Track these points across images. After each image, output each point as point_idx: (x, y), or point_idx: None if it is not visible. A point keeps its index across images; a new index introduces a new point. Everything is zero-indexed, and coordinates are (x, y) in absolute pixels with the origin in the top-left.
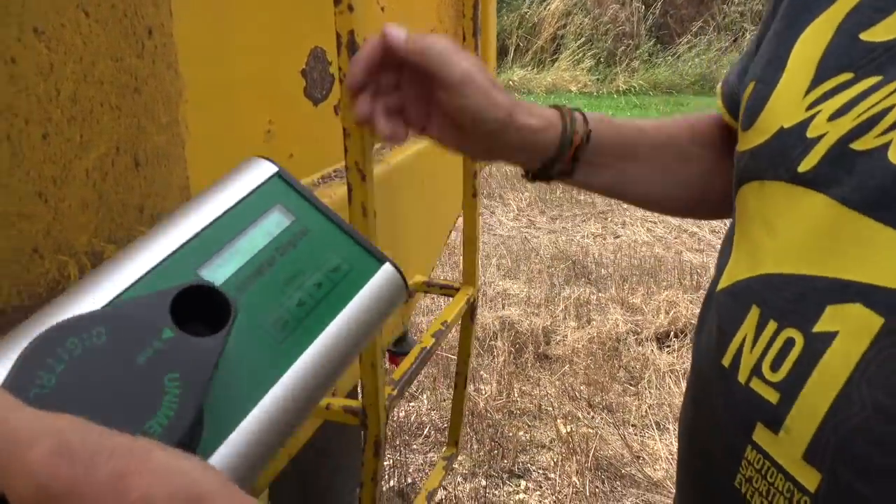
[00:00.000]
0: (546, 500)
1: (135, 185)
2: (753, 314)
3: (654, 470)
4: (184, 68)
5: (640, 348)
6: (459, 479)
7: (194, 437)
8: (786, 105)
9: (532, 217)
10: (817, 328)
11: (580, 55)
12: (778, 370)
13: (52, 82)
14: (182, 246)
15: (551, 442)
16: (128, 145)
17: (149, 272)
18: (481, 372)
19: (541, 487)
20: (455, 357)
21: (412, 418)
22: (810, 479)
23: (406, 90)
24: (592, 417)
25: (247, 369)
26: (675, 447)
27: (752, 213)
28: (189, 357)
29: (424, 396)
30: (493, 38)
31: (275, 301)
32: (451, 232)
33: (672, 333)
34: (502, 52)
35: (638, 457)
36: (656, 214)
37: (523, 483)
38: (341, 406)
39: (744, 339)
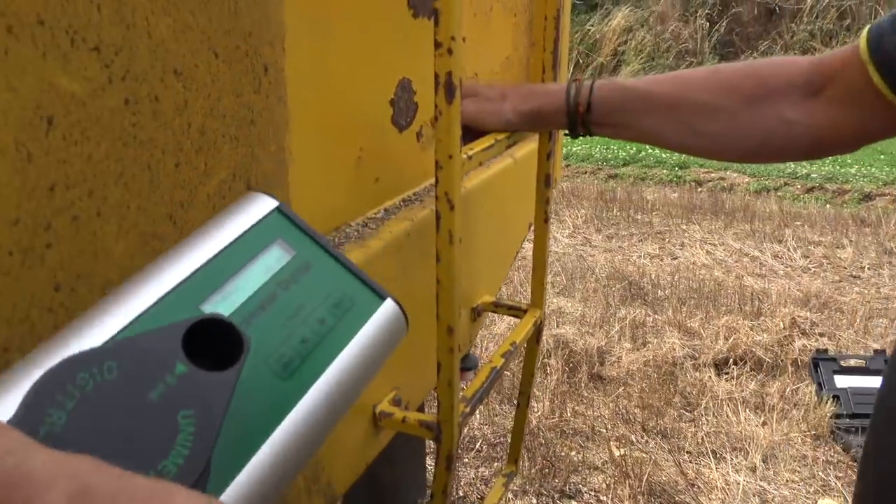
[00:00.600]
0: None
1: None
2: None
3: (710, 499)
4: (290, 101)
5: (698, 374)
6: (510, 496)
7: (204, 476)
8: None
9: (588, 235)
10: None
11: (640, 72)
12: None
13: (185, 117)
14: (184, 280)
15: (604, 464)
16: (242, 172)
17: (151, 306)
18: (534, 389)
19: None
20: (509, 372)
21: (464, 432)
22: None
23: None
24: (646, 442)
25: (252, 406)
26: (731, 478)
27: None
28: (203, 393)
29: (477, 411)
30: (565, 64)
31: (278, 337)
32: (517, 253)
33: (731, 360)
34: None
35: (693, 485)
36: (715, 237)
37: None
38: (417, 420)
39: None
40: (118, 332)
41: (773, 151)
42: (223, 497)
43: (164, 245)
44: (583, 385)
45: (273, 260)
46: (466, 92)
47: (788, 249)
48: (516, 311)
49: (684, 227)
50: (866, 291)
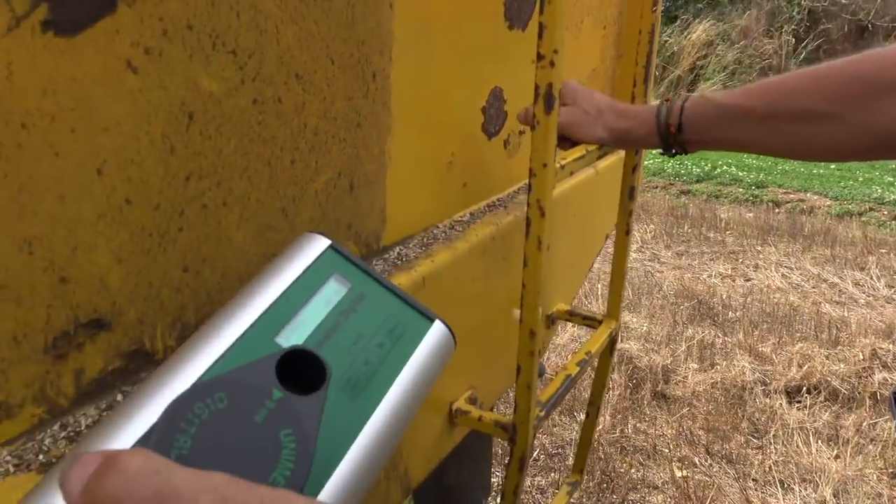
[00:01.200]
0: None
1: (348, 205)
2: None
3: None
4: (393, 106)
5: (768, 400)
6: None
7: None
8: None
9: (656, 251)
10: None
11: (720, 88)
12: None
13: (302, 118)
14: (258, 320)
15: (664, 484)
16: (347, 172)
17: (234, 343)
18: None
19: None
20: None
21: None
22: None
23: None
24: (710, 465)
25: (331, 423)
26: None
27: None
28: (297, 414)
29: None
30: (652, 78)
31: (344, 362)
32: (592, 264)
33: (805, 389)
34: None
35: None
36: (792, 260)
37: None
38: (493, 420)
39: None
40: (210, 367)
41: (892, 150)
42: (320, 498)
43: (278, 236)
44: (645, 402)
45: (332, 293)
46: (566, 94)
47: (871, 278)
48: (591, 322)
49: (759, 248)
50: None
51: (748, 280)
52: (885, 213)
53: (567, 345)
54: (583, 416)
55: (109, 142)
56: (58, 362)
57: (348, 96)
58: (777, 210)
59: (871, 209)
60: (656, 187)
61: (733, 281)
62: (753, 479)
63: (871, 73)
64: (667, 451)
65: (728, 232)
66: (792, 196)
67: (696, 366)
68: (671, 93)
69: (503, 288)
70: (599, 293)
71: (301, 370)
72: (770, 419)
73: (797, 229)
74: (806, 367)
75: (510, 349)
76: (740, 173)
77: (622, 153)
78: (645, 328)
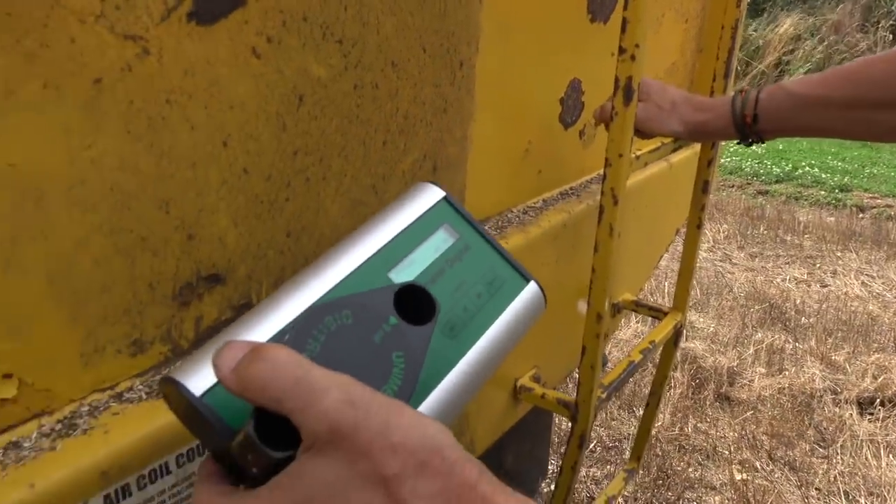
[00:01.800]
0: None
1: None
2: None
3: None
4: (476, 94)
5: (837, 409)
6: (621, 500)
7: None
8: None
9: (729, 251)
10: None
11: None
12: None
13: (395, 102)
14: (375, 253)
15: (722, 486)
16: (431, 154)
17: (351, 273)
18: None
19: None
20: (631, 378)
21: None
22: None
23: None
24: (772, 471)
25: (432, 354)
26: None
27: None
28: (408, 341)
29: None
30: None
31: (446, 305)
32: (661, 257)
33: (878, 401)
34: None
35: None
36: (874, 269)
37: None
38: (555, 398)
39: None
40: (330, 290)
41: None
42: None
43: (367, 210)
44: (708, 403)
45: (441, 241)
46: (640, 91)
47: None
48: (657, 313)
49: (839, 253)
50: None
51: (825, 286)
52: None
53: (630, 340)
54: (641, 412)
55: (234, 118)
56: (182, 309)
57: (436, 83)
58: (861, 215)
59: None
60: (732, 186)
61: (808, 286)
62: (817, 489)
63: None
64: (727, 453)
65: (806, 235)
66: (879, 201)
67: (763, 370)
68: (752, 87)
69: (571, 275)
70: (666, 291)
71: (413, 304)
72: (838, 429)
73: (882, 236)
74: (882, 378)
75: (574, 336)
76: (823, 175)
77: (697, 147)
78: (712, 329)
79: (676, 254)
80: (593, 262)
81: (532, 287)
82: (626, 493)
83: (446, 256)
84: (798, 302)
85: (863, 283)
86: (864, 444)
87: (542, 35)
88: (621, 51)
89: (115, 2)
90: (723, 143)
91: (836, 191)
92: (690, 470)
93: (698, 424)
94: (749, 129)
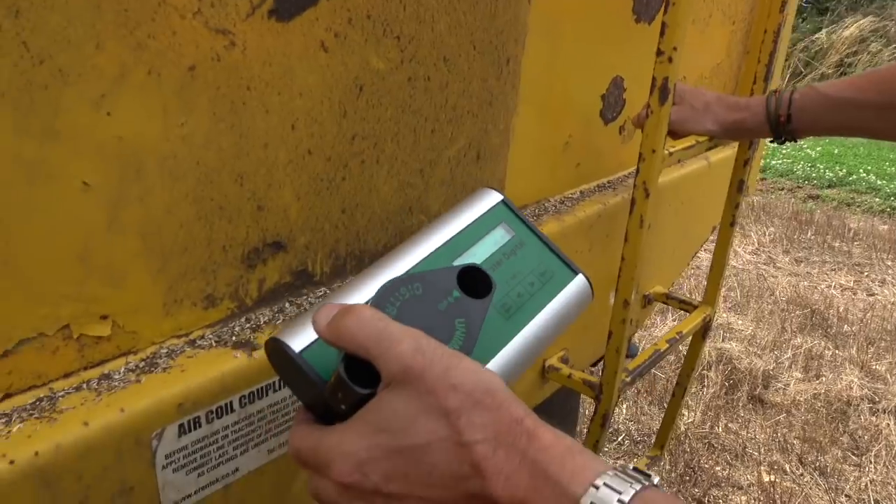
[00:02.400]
0: None
1: (474, 173)
2: None
3: None
4: (521, 88)
5: (874, 418)
6: None
7: None
8: None
9: (773, 255)
10: None
11: None
12: None
13: (444, 94)
14: (442, 245)
15: (749, 486)
16: (475, 143)
17: (424, 259)
18: (687, 399)
19: None
20: (661, 375)
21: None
22: None
23: None
24: (801, 475)
25: (488, 329)
26: None
27: None
28: (469, 311)
29: (625, 406)
30: (778, 76)
31: (503, 290)
32: (696, 254)
33: None
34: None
35: None
36: None
37: None
38: (581, 378)
39: None
40: (410, 269)
41: None
42: None
43: (414, 192)
44: (740, 404)
45: (499, 237)
46: (675, 96)
47: None
48: (687, 306)
49: (889, 263)
50: None
51: (871, 295)
52: None
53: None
54: None
55: (302, 104)
56: (248, 271)
57: (484, 77)
58: None
59: None
60: (782, 189)
61: (854, 294)
62: (846, 495)
63: None
64: (756, 454)
65: (856, 243)
66: None
67: (800, 375)
68: None
69: (603, 263)
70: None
71: (473, 283)
72: (874, 438)
73: None
74: None
75: (602, 322)
76: (879, 182)
77: (736, 147)
78: (750, 331)
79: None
80: (623, 251)
81: (580, 279)
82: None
83: (504, 250)
84: (841, 309)
85: None
86: None
87: (587, 34)
88: (659, 53)
89: (211, 0)
90: (764, 143)
91: (892, 198)
92: (718, 468)
93: (729, 424)
94: (783, 127)
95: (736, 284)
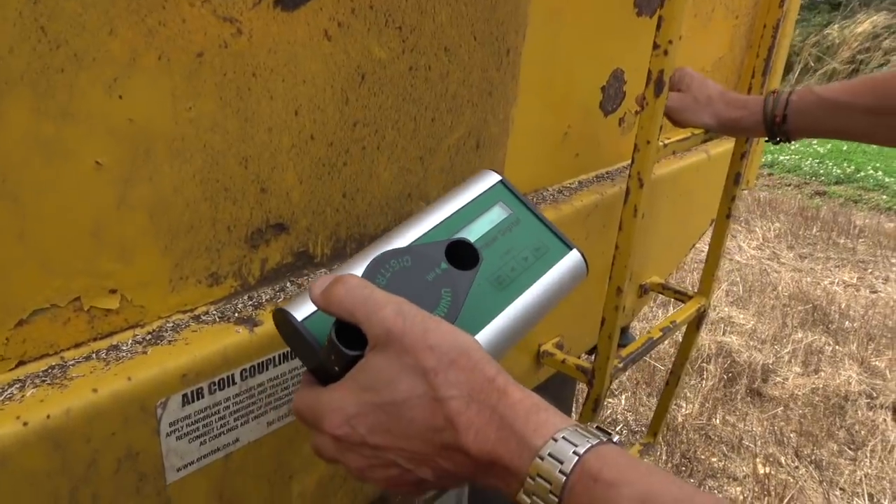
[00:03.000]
0: None
1: (473, 161)
2: None
3: None
4: (521, 79)
5: (871, 414)
6: None
7: None
8: None
9: (777, 250)
10: None
11: None
12: None
13: (445, 84)
14: (440, 223)
15: (744, 478)
16: (475, 132)
17: (422, 235)
18: (686, 391)
19: None
20: (661, 366)
21: (607, 413)
22: None
23: None
24: (796, 468)
25: (477, 301)
26: None
27: None
28: (455, 281)
29: (623, 397)
30: (779, 71)
31: (497, 264)
32: (693, 246)
33: None
34: (785, 70)
35: None
36: None
37: None
38: (574, 363)
39: None
40: (410, 244)
41: None
42: None
43: (414, 178)
44: (739, 397)
45: (496, 215)
46: (679, 80)
47: None
48: (681, 296)
49: (894, 260)
50: None
51: (874, 292)
52: None
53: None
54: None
55: (305, 91)
56: (251, 251)
57: (484, 68)
58: None
59: None
60: (789, 185)
61: (857, 291)
62: (840, 489)
63: None
64: (752, 446)
65: (861, 240)
66: None
67: (799, 370)
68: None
69: (599, 252)
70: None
71: (462, 256)
72: (870, 433)
73: None
74: None
75: (597, 310)
76: (887, 179)
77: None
78: (751, 325)
79: (730, 250)
80: (617, 239)
81: (574, 254)
82: None
83: (500, 227)
84: (843, 306)
85: None
86: (895, 449)
87: (587, 26)
88: (655, 46)
89: None
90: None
91: None
92: (714, 460)
93: (727, 416)
94: (778, 128)
95: (739, 279)
